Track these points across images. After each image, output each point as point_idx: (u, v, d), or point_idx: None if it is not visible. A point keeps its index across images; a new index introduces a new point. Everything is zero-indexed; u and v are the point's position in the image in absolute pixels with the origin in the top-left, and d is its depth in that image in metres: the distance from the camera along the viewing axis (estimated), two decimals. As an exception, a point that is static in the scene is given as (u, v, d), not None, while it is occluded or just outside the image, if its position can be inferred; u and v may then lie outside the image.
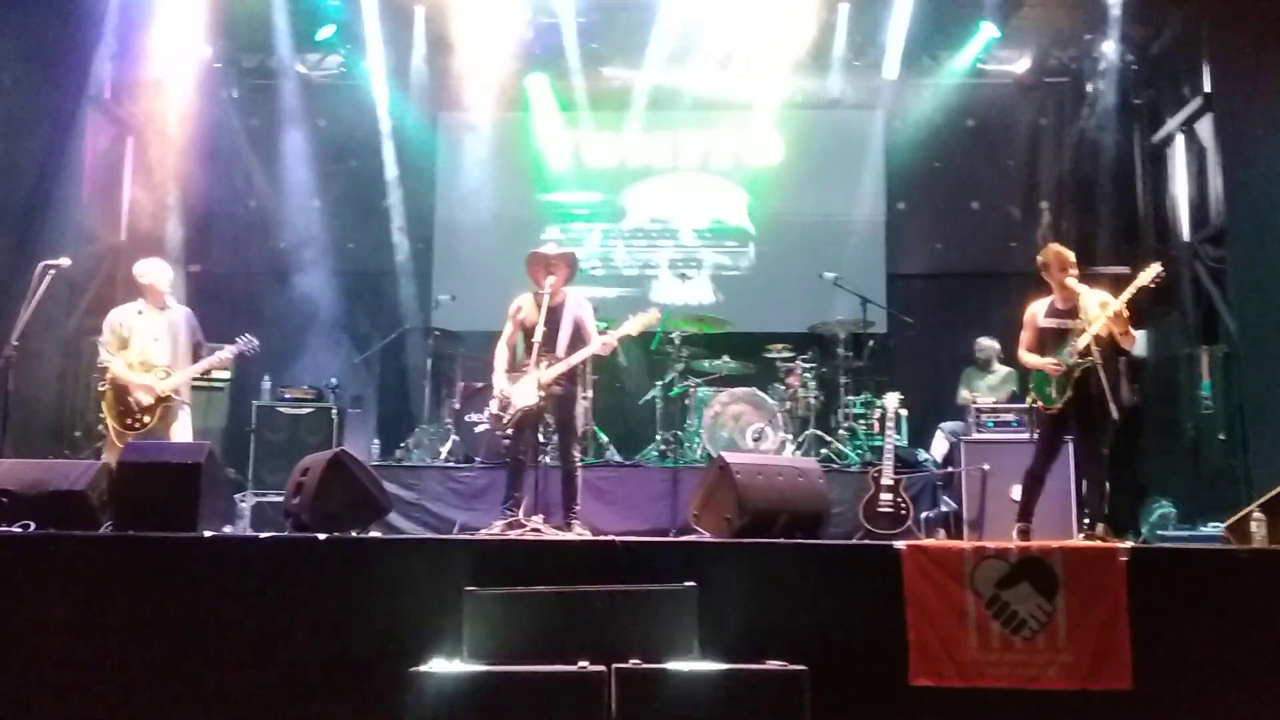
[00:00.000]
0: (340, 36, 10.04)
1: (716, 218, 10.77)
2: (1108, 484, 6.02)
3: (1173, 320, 9.29)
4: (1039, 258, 6.09)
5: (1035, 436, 6.43)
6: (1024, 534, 5.88)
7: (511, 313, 6.39)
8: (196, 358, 6.70)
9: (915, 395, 9.34)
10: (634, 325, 6.39)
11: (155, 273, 6.74)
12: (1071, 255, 6.00)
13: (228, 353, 6.72)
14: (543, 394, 6.10)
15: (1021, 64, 10.35)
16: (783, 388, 8.45)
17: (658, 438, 8.45)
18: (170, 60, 9.24)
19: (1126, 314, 5.74)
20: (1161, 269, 5.86)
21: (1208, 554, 5.11)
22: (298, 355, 9.74)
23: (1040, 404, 6.01)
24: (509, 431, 6.21)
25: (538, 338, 6.13)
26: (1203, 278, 9.01)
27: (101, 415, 6.59)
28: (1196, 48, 8.94)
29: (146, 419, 6.47)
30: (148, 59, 9.11)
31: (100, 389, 6.63)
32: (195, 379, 7.01)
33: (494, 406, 6.34)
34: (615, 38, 10.21)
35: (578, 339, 6.29)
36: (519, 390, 6.13)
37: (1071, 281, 5.92)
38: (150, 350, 6.58)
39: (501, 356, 6.38)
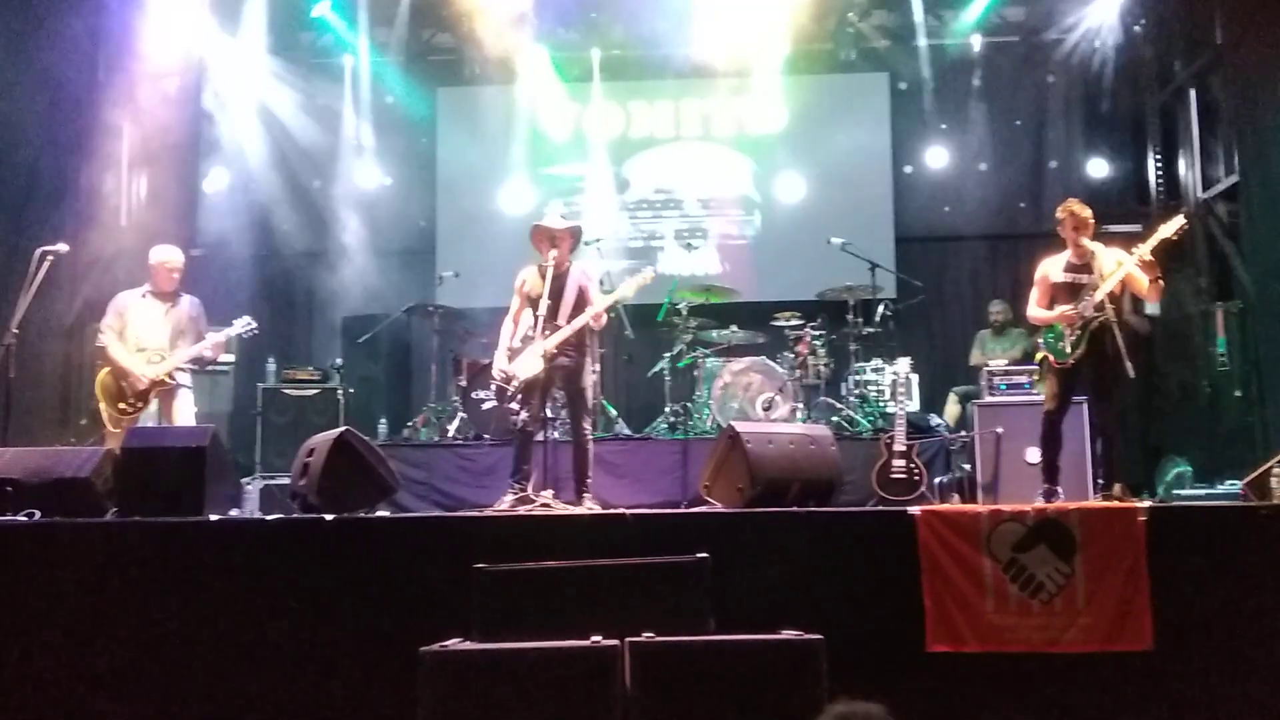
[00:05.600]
0: (336, 13, 9.91)
1: (721, 186, 10.66)
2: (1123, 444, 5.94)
3: (1186, 278, 9.17)
4: (1057, 213, 5.97)
5: (1042, 396, 6.30)
6: (1050, 496, 5.74)
7: (517, 287, 6.33)
8: None
9: (925, 360, 9.28)
10: (628, 288, 6.37)
11: (163, 258, 6.71)
12: (1089, 211, 5.89)
13: (223, 336, 6.65)
14: (545, 363, 6.03)
15: (1028, 21, 10.17)
16: (792, 356, 8.36)
17: (667, 410, 8.38)
18: (169, 42, 9.14)
19: (1152, 259, 5.65)
20: (1184, 220, 5.76)
21: (1228, 511, 5.03)
22: (302, 337, 9.69)
23: (1052, 358, 5.89)
24: (515, 404, 6.14)
25: (542, 310, 6.07)
26: (1216, 234, 8.90)
27: (98, 400, 6.56)
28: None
29: (141, 404, 6.47)
30: (146, 41, 9.00)
31: (97, 363, 6.59)
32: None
33: (496, 382, 6.29)
34: (615, 6, 10.06)
35: (581, 308, 6.20)
36: (521, 362, 6.07)
37: (1086, 239, 5.82)
38: (148, 335, 6.53)
39: (506, 331, 6.31)
